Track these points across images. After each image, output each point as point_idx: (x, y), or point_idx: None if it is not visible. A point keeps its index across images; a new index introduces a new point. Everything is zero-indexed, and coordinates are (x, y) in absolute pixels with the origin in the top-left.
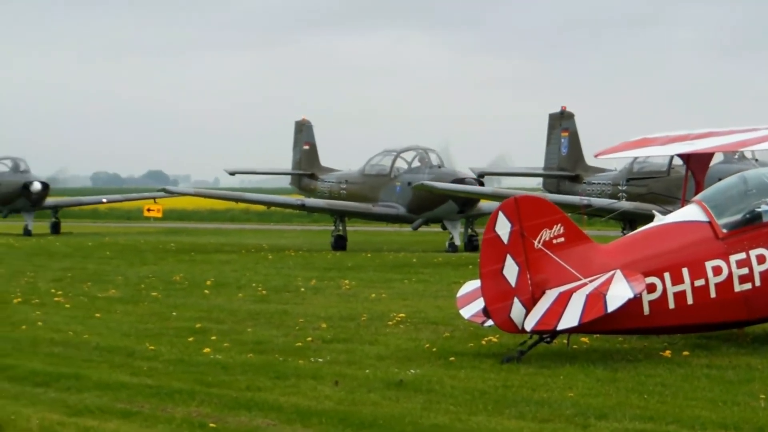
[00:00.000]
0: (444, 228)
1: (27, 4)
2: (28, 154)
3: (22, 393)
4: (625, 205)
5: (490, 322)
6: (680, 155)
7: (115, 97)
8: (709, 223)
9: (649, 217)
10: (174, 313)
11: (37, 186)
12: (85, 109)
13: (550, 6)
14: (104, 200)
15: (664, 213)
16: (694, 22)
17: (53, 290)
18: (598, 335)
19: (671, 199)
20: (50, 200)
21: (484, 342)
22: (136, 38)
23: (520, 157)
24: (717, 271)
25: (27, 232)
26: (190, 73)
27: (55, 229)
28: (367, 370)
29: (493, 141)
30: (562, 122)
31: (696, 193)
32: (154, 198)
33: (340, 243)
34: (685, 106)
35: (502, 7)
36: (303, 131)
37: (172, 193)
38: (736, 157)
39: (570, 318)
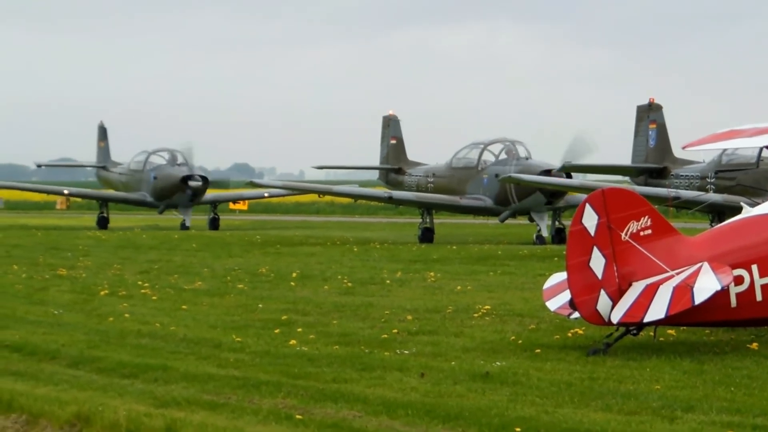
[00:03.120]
0: (531, 220)
1: (129, 4)
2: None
3: (109, 384)
4: (713, 197)
5: (576, 315)
6: None
7: (201, 90)
8: None
9: (738, 209)
10: (260, 305)
11: (197, 181)
12: (174, 102)
13: None
14: (266, 194)
15: (753, 205)
16: None
17: (140, 282)
18: (684, 327)
19: (760, 191)
20: (209, 195)
21: (570, 334)
22: (223, 33)
23: (608, 148)
24: None
25: (184, 228)
26: (276, 66)
27: (214, 225)
28: (453, 362)
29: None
30: (650, 114)
31: None
32: (319, 194)
33: (427, 235)
34: None
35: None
36: (390, 126)
37: (259, 186)
38: None
39: (657, 310)
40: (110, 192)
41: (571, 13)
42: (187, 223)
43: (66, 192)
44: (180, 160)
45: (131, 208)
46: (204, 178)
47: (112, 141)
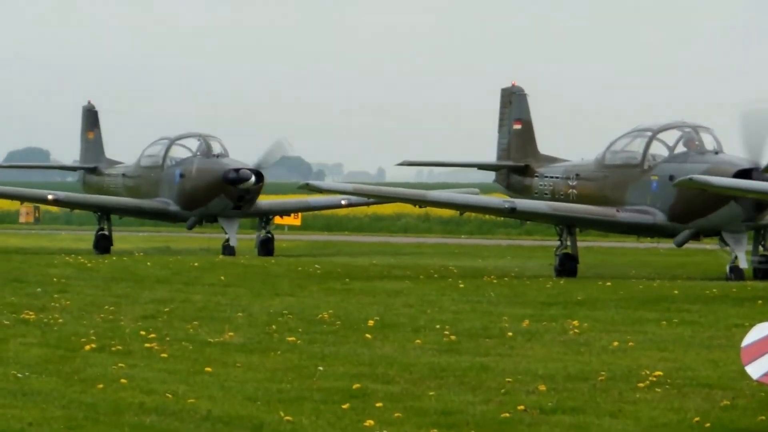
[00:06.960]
0: (724, 244)
1: None
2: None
3: None
4: None
5: None
6: None
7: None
8: None
9: None
10: (320, 368)
11: (247, 175)
12: (193, 70)
13: None
14: (343, 202)
15: None
16: None
17: (143, 332)
18: None
19: None
20: (260, 202)
21: None
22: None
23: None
24: None
25: (228, 251)
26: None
27: (266, 248)
28: None
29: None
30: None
31: None
32: (416, 204)
33: (568, 265)
34: None
35: None
36: (513, 103)
37: (318, 191)
38: None
39: None
40: (115, 198)
41: None
42: (233, 243)
43: (50, 197)
44: (217, 150)
45: (141, 223)
46: (258, 174)
47: (103, 131)
